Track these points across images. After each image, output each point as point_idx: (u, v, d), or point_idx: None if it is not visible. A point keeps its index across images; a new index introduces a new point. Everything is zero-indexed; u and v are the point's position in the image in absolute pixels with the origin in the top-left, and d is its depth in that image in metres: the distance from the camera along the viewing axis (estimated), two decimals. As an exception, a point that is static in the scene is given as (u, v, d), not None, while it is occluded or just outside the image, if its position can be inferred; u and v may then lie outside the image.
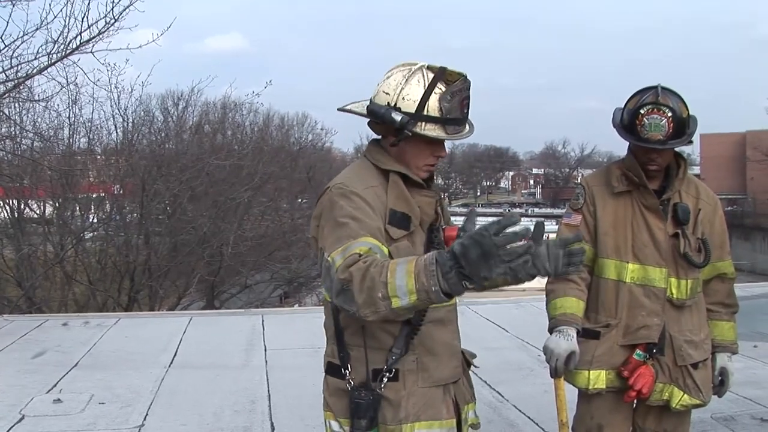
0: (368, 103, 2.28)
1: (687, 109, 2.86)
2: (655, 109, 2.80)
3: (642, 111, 2.82)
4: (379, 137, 2.33)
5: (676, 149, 2.95)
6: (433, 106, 2.16)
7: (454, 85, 2.17)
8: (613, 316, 2.97)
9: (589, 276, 3.02)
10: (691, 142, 2.90)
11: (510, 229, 1.70)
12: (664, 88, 2.85)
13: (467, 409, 2.40)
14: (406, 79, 2.18)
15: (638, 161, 2.93)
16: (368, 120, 2.29)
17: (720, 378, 3.09)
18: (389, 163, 2.26)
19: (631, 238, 2.96)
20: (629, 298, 2.95)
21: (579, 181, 3.25)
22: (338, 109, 2.35)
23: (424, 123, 2.16)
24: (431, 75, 2.18)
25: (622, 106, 2.95)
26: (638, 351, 2.92)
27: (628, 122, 2.88)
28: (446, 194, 75.82)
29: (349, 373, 2.23)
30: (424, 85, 2.17)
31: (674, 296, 2.94)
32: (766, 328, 7.66)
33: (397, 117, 2.15)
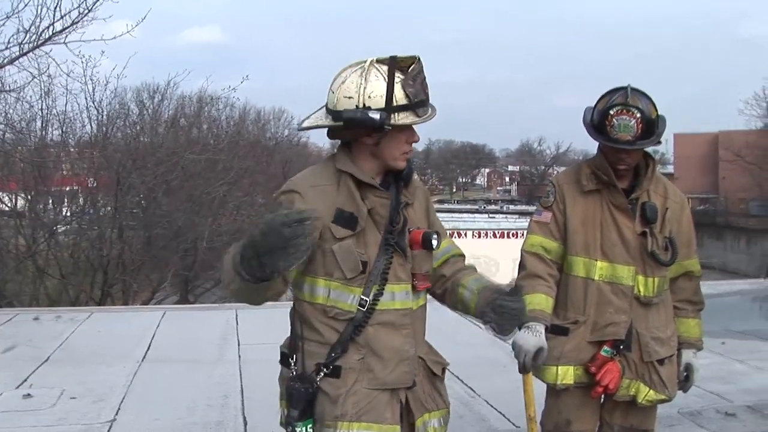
0: (322, 113, 2.29)
1: (656, 110, 2.91)
2: (624, 110, 2.84)
3: (611, 111, 2.86)
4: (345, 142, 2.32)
5: (645, 149, 3.00)
6: (399, 95, 2.18)
7: (412, 69, 2.20)
8: (581, 312, 3.01)
9: (558, 273, 3.06)
10: (659, 142, 2.96)
11: (301, 220, 1.87)
12: (633, 89, 2.89)
13: (428, 418, 2.37)
14: (365, 78, 2.19)
15: (608, 160, 2.97)
16: (328, 130, 2.29)
17: (685, 374, 3.14)
18: (345, 165, 2.27)
19: (600, 237, 3.00)
20: (597, 295, 2.99)
21: (551, 178, 3.30)
22: (299, 129, 2.40)
23: (397, 114, 2.18)
24: (385, 67, 2.20)
25: (593, 105, 2.99)
26: (605, 347, 2.97)
27: (597, 122, 2.92)
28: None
29: (294, 363, 2.29)
30: (384, 78, 2.18)
31: (641, 294, 2.99)
32: (735, 326, 7.80)
33: (375, 116, 2.14)
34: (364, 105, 2.17)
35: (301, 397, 2.22)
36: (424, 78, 2.23)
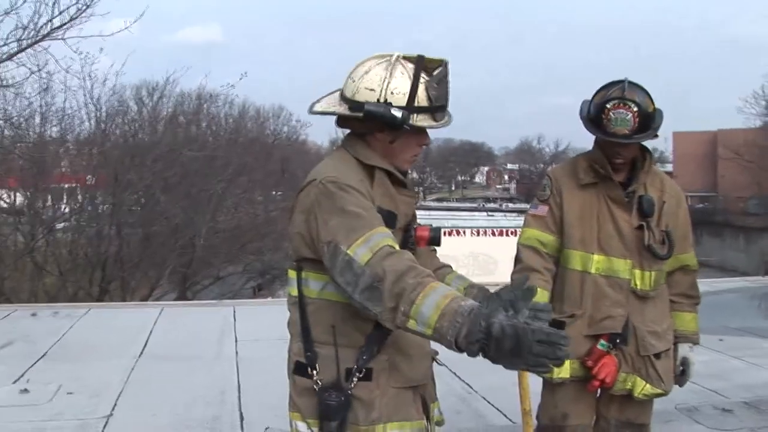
0: (335, 98, 2.20)
1: (653, 104, 2.90)
2: (621, 104, 2.84)
3: (608, 105, 2.85)
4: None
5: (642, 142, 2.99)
6: (421, 96, 2.10)
7: (439, 72, 2.12)
8: (578, 306, 3.00)
9: (554, 266, 3.05)
10: (656, 135, 2.94)
11: (556, 344, 1.67)
12: (630, 83, 2.89)
13: (434, 407, 2.36)
14: (390, 73, 2.10)
15: (604, 154, 2.97)
16: (339, 118, 2.20)
17: (681, 368, 3.13)
18: (375, 159, 2.17)
19: (596, 230, 3.00)
20: (594, 288, 2.98)
21: (547, 172, 3.29)
22: (310, 113, 2.21)
23: (416, 114, 2.10)
24: (411, 65, 2.12)
25: (590, 98, 2.98)
26: (602, 341, 2.97)
27: (594, 116, 2.91)
28: (421, 188, 75.82)
29: (317, 373, 2.12)
30: (409, 77, 2.10)
31: (638, 287, 2.99)
32: (732, 323, 7.80)
33: (398, 113, 2.06)
34: (385, 100, 2.09)
35: (340, 407, 2.08)
36: (449, 83, 2.13)
